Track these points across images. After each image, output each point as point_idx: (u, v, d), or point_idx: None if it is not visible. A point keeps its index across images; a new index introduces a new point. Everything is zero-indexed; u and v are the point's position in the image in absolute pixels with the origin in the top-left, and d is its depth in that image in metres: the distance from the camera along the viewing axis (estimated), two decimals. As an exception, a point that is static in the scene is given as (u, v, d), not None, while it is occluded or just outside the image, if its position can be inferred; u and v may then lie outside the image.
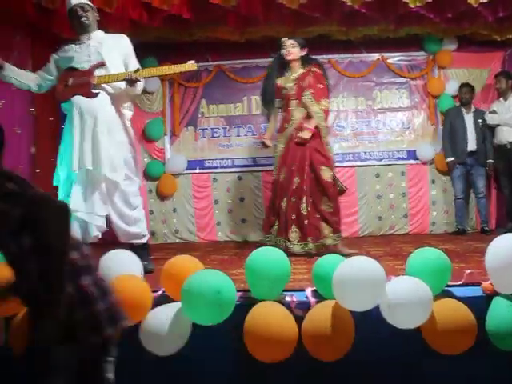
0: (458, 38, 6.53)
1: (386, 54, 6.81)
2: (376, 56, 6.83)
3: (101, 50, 3.77)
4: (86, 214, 3.56)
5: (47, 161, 6.11)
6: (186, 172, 6.84)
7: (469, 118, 6.32)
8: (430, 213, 6.74)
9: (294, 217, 4.46)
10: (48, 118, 6.18)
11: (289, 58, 4.63)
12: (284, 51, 4.64)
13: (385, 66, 6.84)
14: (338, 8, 5.36)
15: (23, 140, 5.64)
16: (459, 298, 2.53)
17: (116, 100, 3.82)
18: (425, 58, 6.79)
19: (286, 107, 4.71)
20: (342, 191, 4.72)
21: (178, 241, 6.76)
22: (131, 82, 3.64)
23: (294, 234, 4.46)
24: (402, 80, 6.84)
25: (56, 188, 4.25)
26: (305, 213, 4.41)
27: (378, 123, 6.83)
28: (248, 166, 6.83)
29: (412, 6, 4.98)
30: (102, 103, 3.70)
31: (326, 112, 4.70)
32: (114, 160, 3.65)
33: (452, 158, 6.33)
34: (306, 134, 4.51)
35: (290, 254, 4.44)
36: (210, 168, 6.86)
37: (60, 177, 3.74)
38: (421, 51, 6.79)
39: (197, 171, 6.86)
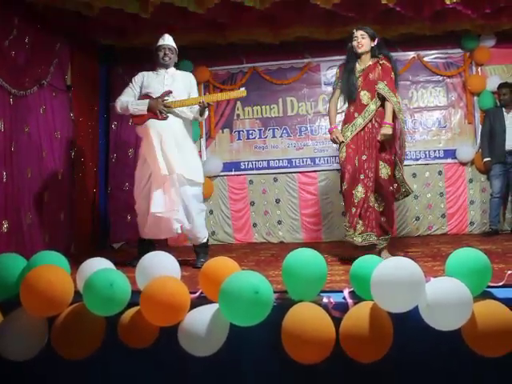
0: (496, 34, 6.42)
1: (421, 52, 6.74)
2: (411, 54, 6.77)
3: (172, 83, 4.47)
4: (168, 212, 4.21)
5: (86, 165, 6.25)
6: (221, 174, 6.89)
7: (509, 118, 6.18)
8: (469, 212, 6.64)
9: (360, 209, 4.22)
10: (86, 123, 6.31)
11: (360, 50, 4.35)
12: (354, 43, 4.36)
13: (421, 64, 6.77)
14: (373, 7, 5.33)
15: (63, 144, 5.75)
16: (500, 300, 2.47)
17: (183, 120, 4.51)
18: (461, 55, 6.68)
19: (356, 97, 4.40)
20: (406, 194, 4.56)
21: (214, 242, 6.80)
22: (202, 108, 4.38)
23: (358, 225, 4.22)
24: (439, 78, 6.75)
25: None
26: (371, 204, 4.20)
27: (415, 122, 6.76)
28: (283, 168, 6.84)
29: (448, 2, 4.91)
30: (170, 123, 4.37)
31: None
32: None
33: (489, 158, 6.23)
34: (388, 130, 4.25)
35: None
36: (245, 170, 6.90)
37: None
38: (457, 48, 6.68)
39: (233, 173, 6.91)
